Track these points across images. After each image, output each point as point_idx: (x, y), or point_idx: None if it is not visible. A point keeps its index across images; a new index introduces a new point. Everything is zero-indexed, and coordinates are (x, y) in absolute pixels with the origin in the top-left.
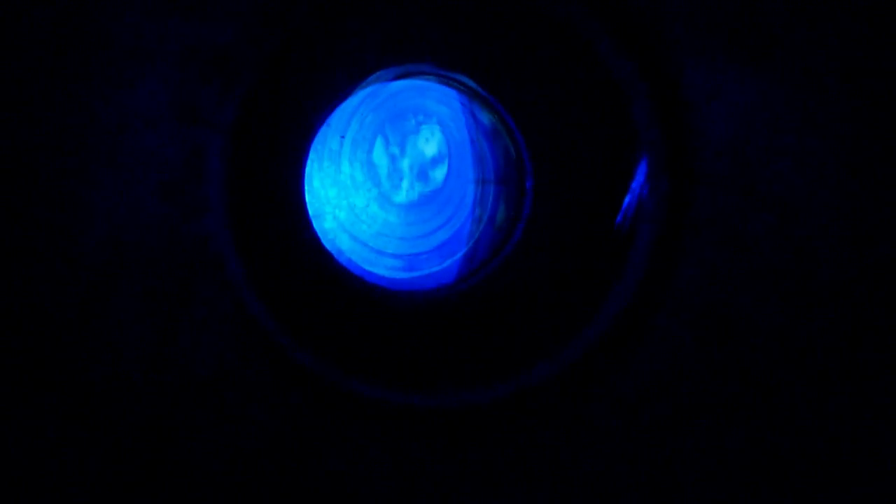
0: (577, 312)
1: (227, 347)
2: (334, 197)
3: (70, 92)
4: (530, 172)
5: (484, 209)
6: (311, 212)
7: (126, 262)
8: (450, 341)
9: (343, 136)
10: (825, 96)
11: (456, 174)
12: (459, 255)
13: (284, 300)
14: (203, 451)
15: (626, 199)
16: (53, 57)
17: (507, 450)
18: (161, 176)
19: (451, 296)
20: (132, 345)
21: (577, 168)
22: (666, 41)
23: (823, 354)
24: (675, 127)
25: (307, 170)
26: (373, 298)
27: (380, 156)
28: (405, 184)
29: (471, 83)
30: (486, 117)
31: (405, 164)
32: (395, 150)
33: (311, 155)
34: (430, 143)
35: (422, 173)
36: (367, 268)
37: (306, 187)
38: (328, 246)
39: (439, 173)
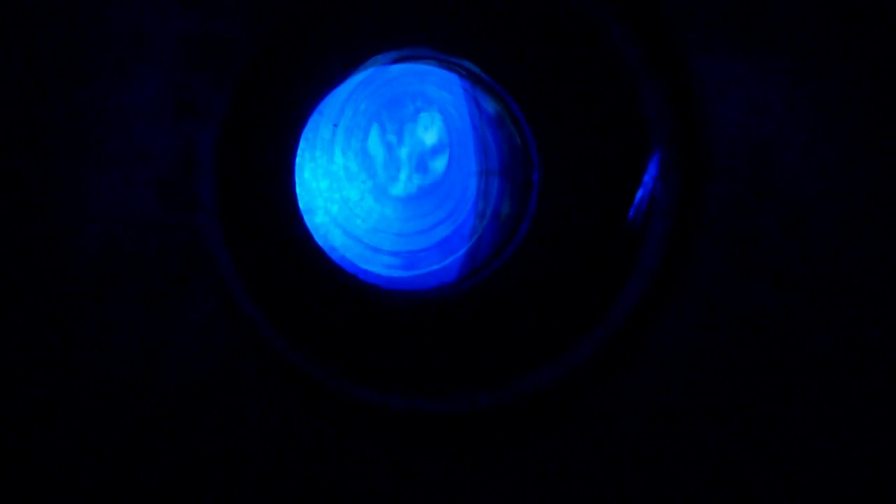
0: (585, 312)
1: (221, 348)
2: (326, 189)
3: (62, 87)
4: (537, 164)
5: (488, 203)
6: (301, 206)
7: (122, 261)
8: (451, 343)
9: (336, 125)
10: (840, 90)
11: (457, 165)
12: (461, 252)
13: (277, 300)
14: (197, 456)
15: (639, 194)
16: (45, 51)
17: (513, 456)
18: (156, 171)
19: (452, 295)
20: (128, 345)
21: (586, 160)
22: (678, 31)
23: (840, 353)
24: (688, 119)
25: (297, 161)
26: (369, 298)
27: (375, 145)
28: (403, 175)
29: (475, 69)
30: (490, 104)
31: (403, 153)
32: (392, 139)
33: (302, 144)
34: (429, 132)
35: (421, 164)
36: (363, 266)
37: (297, 180)
38: (321, 242)
39: (439, 164)
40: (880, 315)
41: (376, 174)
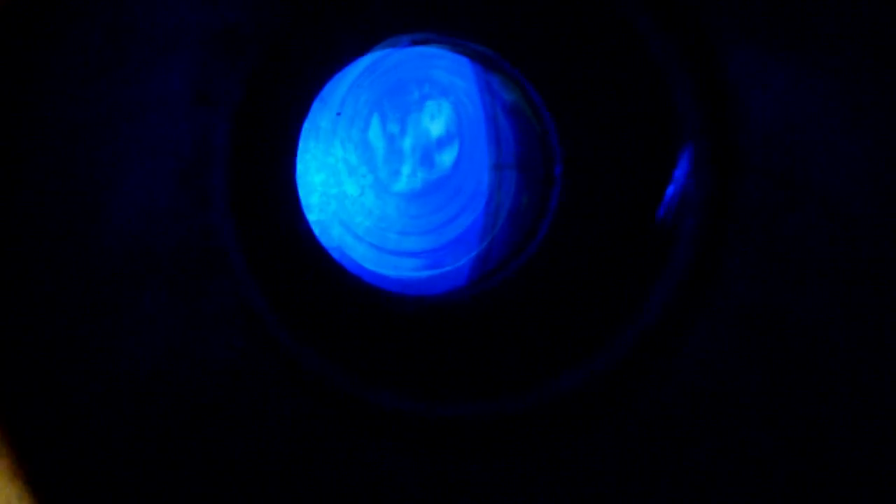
0: (610, 316)
1: (236, 347)
2: (321, 184)
3: (86, 81)
4: (560, 158)
5: (502, 200)
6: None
7: (146, 255)
8: (462, 349)
9: (339, 114)
10: (876, 88)
11: (468, 158)
12: (472, 254)
13: (288, 299)
14: (215, 455)
15: (670, 190)
16: (71, 47)
17: (537, 461)
18: (176, 163)
19: (463, 300)
20: (155, 340)
21: (612, 153)
22: (708, 21)
23: (881, 355)
24: (720, 112)
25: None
26: (375, 301)
27: (376, 135)
28: (406, 169)
29: (492, 54)
30: (506, 91)
31: (406, 144)
32: (395, 129)
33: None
34: (436, 121)
35: (426, 156)
36: (368, 266)
37: (298, 173)
38: (322, 241)
39: (447, 157)
40: None
41: (377, 168)
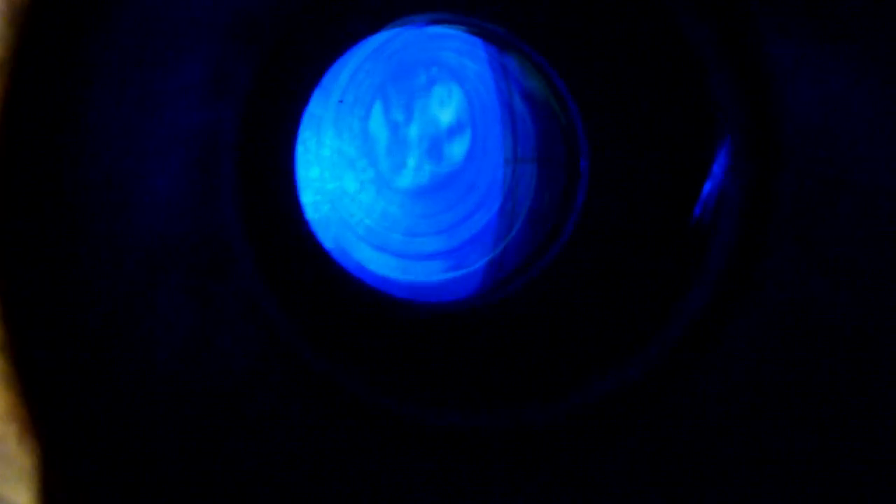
0: (639, 325)
1: (249, 350)
2: (316, 179)
3: (104, 74)
4: (586, 151)
5: (520, 198)
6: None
7: (162, 255)
8: (482, 356)
9: (342, 101)
10: None
11: (481, 150)
12: (486, 260)
13: (296, 301)
14: (225, 456)
15: (707, 186)
16: (89, 40)
17: (560, 475)
18: (191, 155)
19: (474, 311)
20: (174, 341)
21: (642, 147)
22: (747, 6)
23: None
24: (759, 104)
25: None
26: (383, 306)
27: (378, 124)
28: (411, 162)
29: (512, 39)
30: (525, 77)
31: (412, 134)
32: (399, 117)
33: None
34: (446, 108)
35: (434, 148)
36: (373, 269)
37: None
38: (324, 241)
39: (458, 148)
40: None
41: (378, 161)
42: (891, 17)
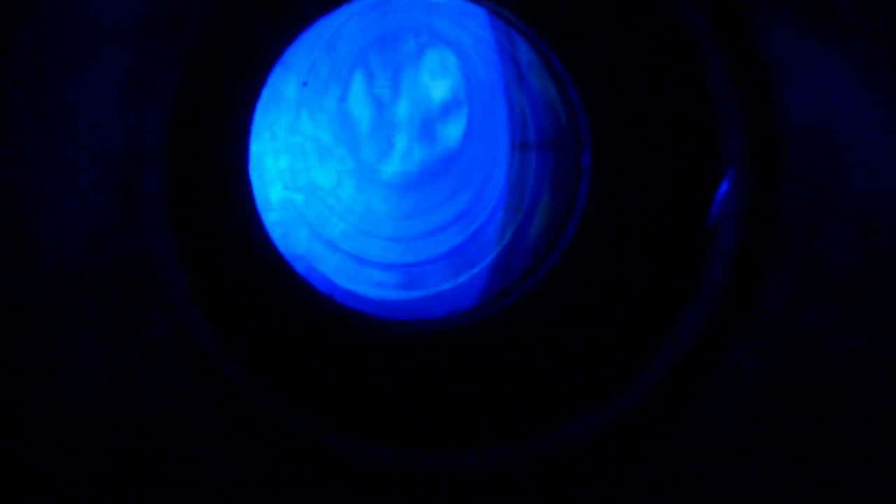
0: (640, 343)
1: (178, 382)
2: (286, 171)
3: (20, 80)
4: (588, 145)
5: (524, 190)
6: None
7: (78, 278)
8: (467, 386)
9: (306, 84)
10: None
11: (479, 133)
12: (484, 264)
13: (239, 324)
14: (152, 498)
15: (722, 189)
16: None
17: None
18: (109, 168)
19: (469, 327)
20: (86, 375)
21: (643, 147)
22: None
23: None
24: (758, 104)
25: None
26: (352, 327)
27: (358, 102)
28: (399, 146)
29: (515, 19)
30: (529, 52)
31: (400, 112)
32: (384, 92)
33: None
34: (439, 80)
35: (426, 128)
36: (345, 284)
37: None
38: (281, 248)
39: (453, 130)
40: None
41: (359, 147)
42: (888, 20)
